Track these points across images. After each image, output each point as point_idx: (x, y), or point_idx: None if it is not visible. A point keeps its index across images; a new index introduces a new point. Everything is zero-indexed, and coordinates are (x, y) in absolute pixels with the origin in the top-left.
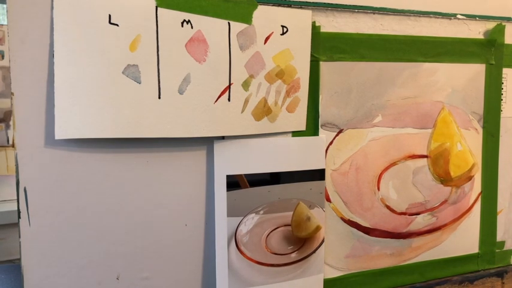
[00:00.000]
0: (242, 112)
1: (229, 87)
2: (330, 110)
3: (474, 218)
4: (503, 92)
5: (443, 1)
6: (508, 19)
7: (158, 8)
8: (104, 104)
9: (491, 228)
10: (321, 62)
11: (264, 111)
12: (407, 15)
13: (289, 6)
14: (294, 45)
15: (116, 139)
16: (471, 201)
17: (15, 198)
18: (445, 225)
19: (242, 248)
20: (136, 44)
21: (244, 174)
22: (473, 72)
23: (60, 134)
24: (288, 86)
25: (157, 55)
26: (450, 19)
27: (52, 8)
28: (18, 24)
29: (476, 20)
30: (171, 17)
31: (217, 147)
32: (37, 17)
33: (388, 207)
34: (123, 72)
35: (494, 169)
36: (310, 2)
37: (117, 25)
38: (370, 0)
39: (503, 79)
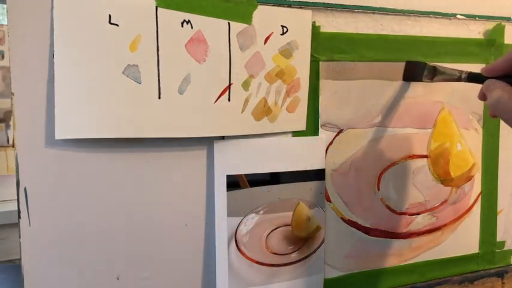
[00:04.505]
0: (242, 112)
1: (229, 87)
2: (330, 110)
3: (474, 218)
4: None
5: (443, 1)
6: (508, 19)
7: (158, 8)
8: (104, 104)
9: (491, 228)
10: (320, 62)
11: (264, 111)
12: (407, 15)
13: (289, 6)
14: (294, 45)
15: (116, 139)
16: (471, 201)
17: (15, 198)
18: (445, 225)
19: (242, 248)
20: (137, 44)
21: (244, 174)
22: None
23: (60, 134)
24: (288, 86)
25: (157, 55)
26: (450, 19)
27: (52, 8)
28: (18, 24)
29: (476, 20)
30: (171, 17)
31: (217, 147)
32: (37, 17)
33: (388, 207)
34: (123, 72)
35: (494, 169)
36: (310, 2)
37: (117, 25)
38: (370, 0)
39: None
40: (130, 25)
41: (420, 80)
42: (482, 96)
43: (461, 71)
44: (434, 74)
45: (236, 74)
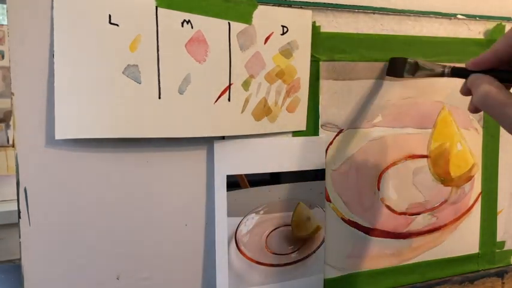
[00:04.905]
0: (242, 112)
1: (229, 87)
2: (330, 110)
3: (474, 218)
4: None
5: (443, 1)
6: (508, 19)
7: (158, 8)
8: (104, 104)
9: (491, 228)
10: (320, 62)
11: (264, 111)
12: (407, 15)
13: (289, 6)
14: (294, 45)
15: (116, 139)
16: (471, 201)
17: (15, 198)
18: (445, 225)
19: (242, 248)
20: (137, 44)
21: (244, 174)
22: None
23: (60, 134)
24: (288, 86)
25: (157, 55)
26: (450, 19)
27: (52, 8)
28: (18, 24)
29: (476, 20)
30: (171, 17)
31: (217, 147)
32: (37, 17)
33: (388, 207)
34: (123, 72)
35: (494, 169)
36: (310, 2)
37: (117, 25)
38: (370, 0)
39: None
40: (130, 25)
41: (401, 76)
42: (466, 92)
43: (445, 66)
44: (416, 69)
45: (236, 74)
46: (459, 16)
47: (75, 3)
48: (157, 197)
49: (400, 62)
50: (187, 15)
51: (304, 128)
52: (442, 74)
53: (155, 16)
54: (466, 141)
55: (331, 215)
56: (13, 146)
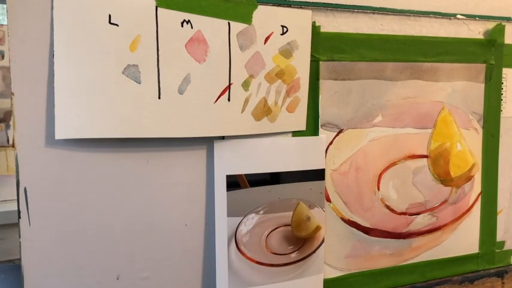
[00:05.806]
0: (242, 112)
1: (229, 87)
2: (330, 110)
3: (474, 218)
4: (503, 92)
5: (443, 1)
6: (508, 19)
7: (158, 8)
8: (104, 104)
9: (491, 228)
10: (321, 62)
11: (264, 111)
12: (407, 15)
13: (289, 6)
14: (294, 45)
15: (116, 139)
16: (471, 201)
17: (15, 198)
18: (445, 225)
19: (242, 248)
20: (137, 44)
21: (244, 174)
22: (473, 72)
23: (60, 134)
24: (288, 86)
25: (157, 55)
26: (450, 19)
27: (52, 8)
28: (18, 24)
29: (476, 20)
30: (171, 17)
31: (217, 147)
32: (37, 17)
33: (388, 207)
34: (123, 72)
35: (494, 169)
36: (310, 2)
37: (117, 25)
38: (370, 0)
39: (503, 79)
40: (130, 25)
41: None
42: None
43: None
44: None
45: (236, 74)
46: (459, 16)
47: (75, 3)
48: (157, 197)
49: None
50: (187, 15)
51: (304, 128)
52: None
53: (155, 16)
54: (466, 141)
55: (331, 215)
56: (13, 146)
